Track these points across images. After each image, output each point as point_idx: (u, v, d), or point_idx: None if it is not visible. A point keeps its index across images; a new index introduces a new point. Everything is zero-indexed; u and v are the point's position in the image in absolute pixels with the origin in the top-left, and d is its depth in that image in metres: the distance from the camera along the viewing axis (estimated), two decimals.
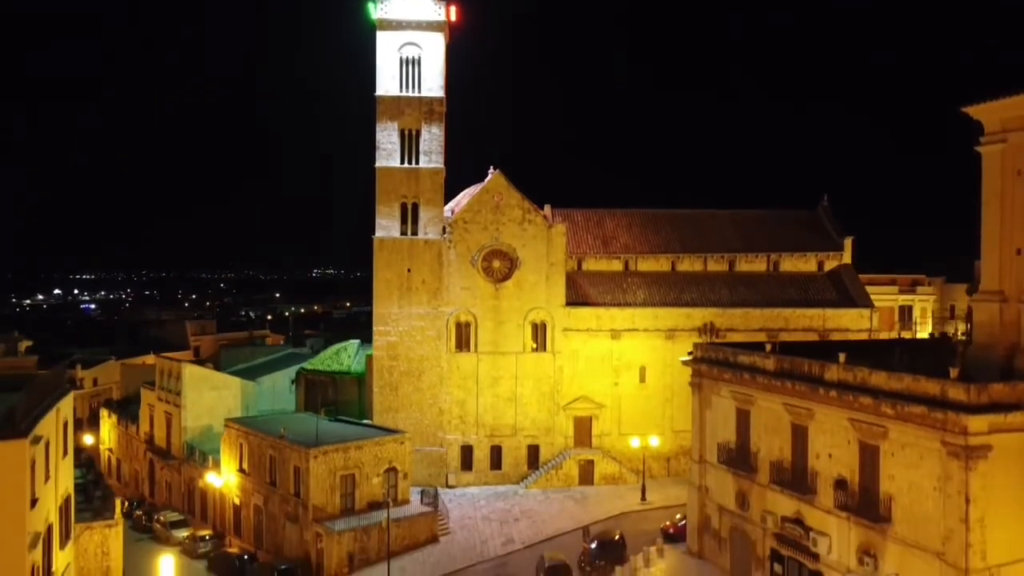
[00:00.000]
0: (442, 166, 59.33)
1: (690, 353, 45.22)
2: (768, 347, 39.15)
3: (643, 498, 54.54)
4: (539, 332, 60.20)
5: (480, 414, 59.48)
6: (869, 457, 31.91)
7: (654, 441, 55.44)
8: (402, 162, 59.08)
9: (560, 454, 59.59)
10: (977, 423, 27.40)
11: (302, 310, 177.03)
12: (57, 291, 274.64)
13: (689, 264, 64.40)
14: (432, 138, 59.21)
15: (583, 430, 60.26)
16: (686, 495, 46.01)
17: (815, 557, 34.70)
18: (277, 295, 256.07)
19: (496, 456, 59.61)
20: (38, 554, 27.60)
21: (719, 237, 66.00)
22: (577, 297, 61.35)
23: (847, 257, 65.47)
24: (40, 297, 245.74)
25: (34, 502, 27.00)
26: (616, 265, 63.91)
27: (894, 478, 30.67)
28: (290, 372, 70.65)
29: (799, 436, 36.03)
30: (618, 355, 60.28)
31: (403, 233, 59.11)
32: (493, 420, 59.57)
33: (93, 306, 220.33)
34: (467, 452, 59.42)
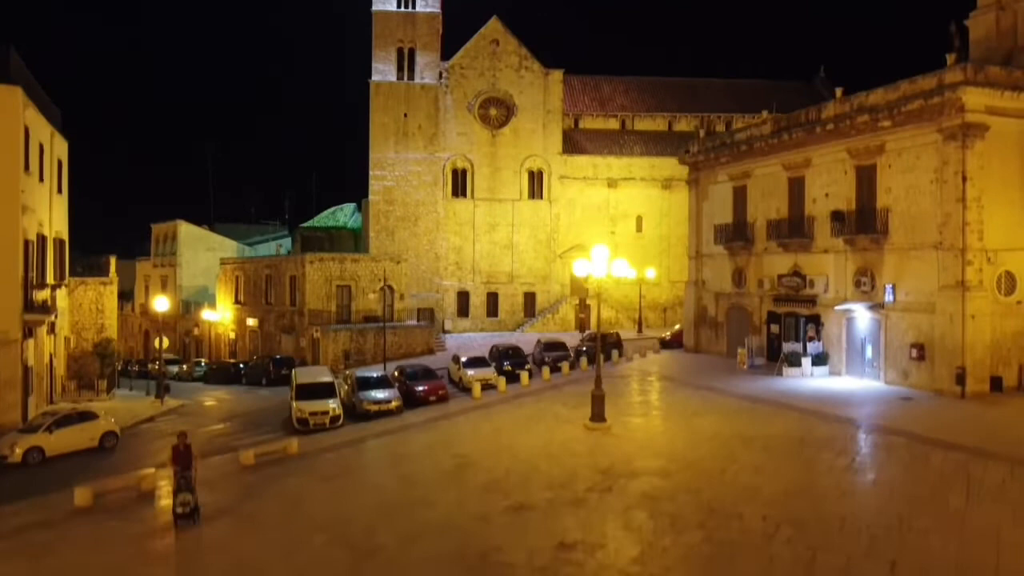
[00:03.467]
0: (439, 10, 59.11)
1: (686, 151, 45.09)
2: (764, 113, 39.10)
3: (639, 331, 54.56)
4: (535, 180, 60.09)
5: (476, 261, 59.40)
6: (866, 179, 31.82)
7: (651, 273, 55.36)
8: (399, 6, 58.82)
9: (556, 302, 59.55)
10: (974, 96, 27.33)
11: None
12: None
13: (686, 124, 64.30)
14: None
15: (580, 278, 60.08)
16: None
17: (812, 302, 34.71)
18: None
19: (492, 303, 59.57)
20: (31, 226, 27.45)
21: (716, 102, 65.93)
22: (574, 151, 61.21)
23: None
24: None
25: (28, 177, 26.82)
26: (613, 123, 63.80)
27: (891, 190, 30.60)
28: (286, 243, 70.62)
29: (795, 189, 35.98)
30: (615, 204, 60.25)
31: (399, 78, 58.90)
32: (489, 267, 59.50)
33: None
34: (463, 298, 59.36)
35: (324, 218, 65.93)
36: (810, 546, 13.67)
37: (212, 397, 37.48)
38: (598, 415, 24.51)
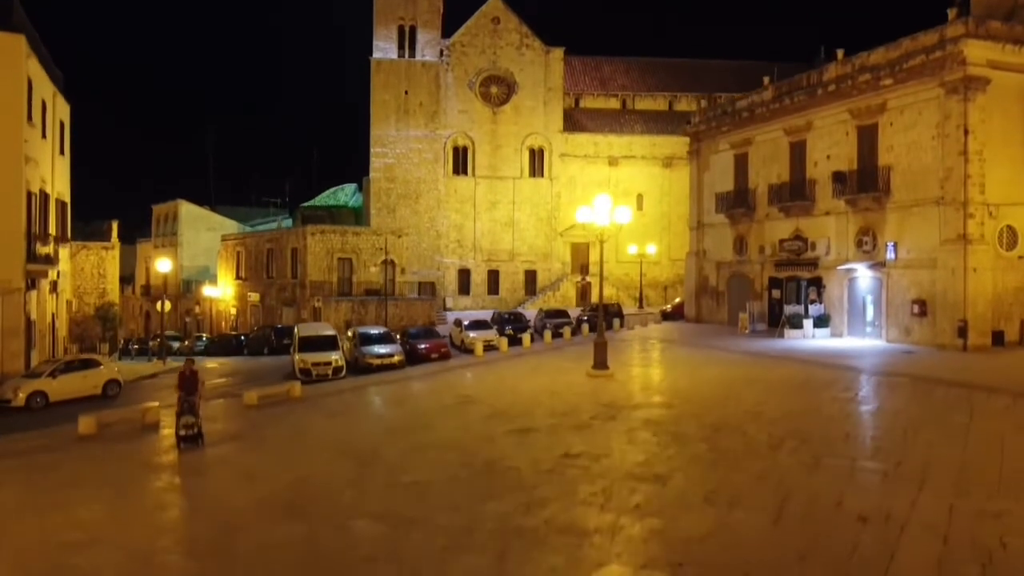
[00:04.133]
0: None
1: (687, 123, 45.12)
2: (766, 80, 39.09)
3: (640, 306, 54.61)
4: (536, 157, 60.08)
5: (477, 238, 59.41)
6: (867, 138, 31.84)
7: (651, 249, 55.42)
8: None
9: (557, 279, 59.58)
10: (975, 49, 27.36)
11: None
12: None
13: (687, 104, 64.20)
14: None
15: (580, 256, 60.21)
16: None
17: (813, 265, 34.71)
18: None
19: (493, 280, 59.59)
20: (34, 179, 27.45)
21: (716, 81, 65.88)
22: (575, 129, 61.20)
23: None
24: None
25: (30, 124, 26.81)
26: (614, 103, 63.80)
27: (892, 148, 30.62)
28: (287, 224, 70.49)
29: (797, 153, 35.99)
30: (615, 182, 60.18)
31: (400, 56, 58.87)
32: (490, 245, 59.51)
33: None
34: (464, 276, 59.38)
35: (325, 198, 65.94)
36: (814, 455, 13.70)
37: (215, 362, 37.50)
38: (600, 362, 24.49)
